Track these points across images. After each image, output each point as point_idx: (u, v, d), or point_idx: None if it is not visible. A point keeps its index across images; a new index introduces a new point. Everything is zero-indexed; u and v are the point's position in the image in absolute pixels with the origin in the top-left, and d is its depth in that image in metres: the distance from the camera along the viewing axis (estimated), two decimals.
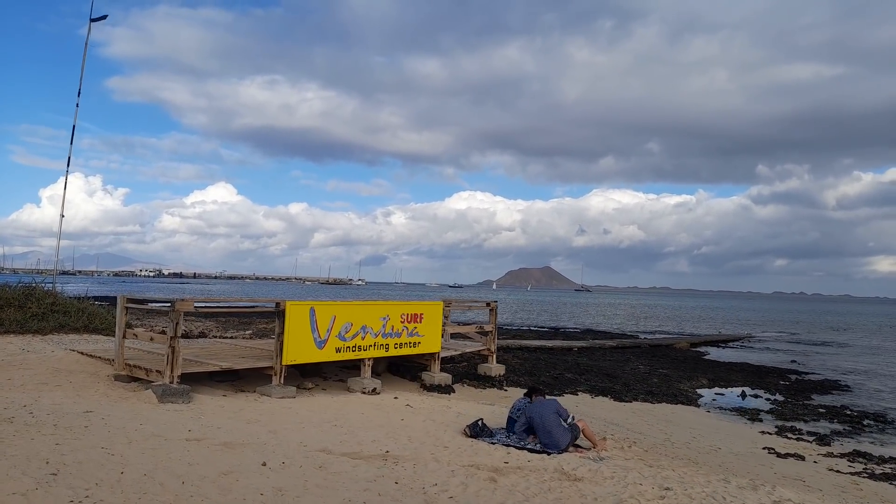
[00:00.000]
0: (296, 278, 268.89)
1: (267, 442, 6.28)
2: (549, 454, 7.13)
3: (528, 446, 7.35)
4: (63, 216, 16.05)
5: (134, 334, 9.49)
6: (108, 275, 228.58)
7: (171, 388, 8.25)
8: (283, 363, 9.65)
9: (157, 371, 8.67)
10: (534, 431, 7.61)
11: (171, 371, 8.44)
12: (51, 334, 12.49)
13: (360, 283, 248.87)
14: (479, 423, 7.80)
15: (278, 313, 9.70)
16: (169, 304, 8.69)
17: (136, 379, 9.13)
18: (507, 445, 7.28)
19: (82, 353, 10.27)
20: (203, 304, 9.55)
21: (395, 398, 10.32)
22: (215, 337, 17.83)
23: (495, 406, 10.55)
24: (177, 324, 8.52)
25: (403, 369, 12.86)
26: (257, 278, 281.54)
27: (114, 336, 13.44)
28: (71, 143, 15.79)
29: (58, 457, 4.97)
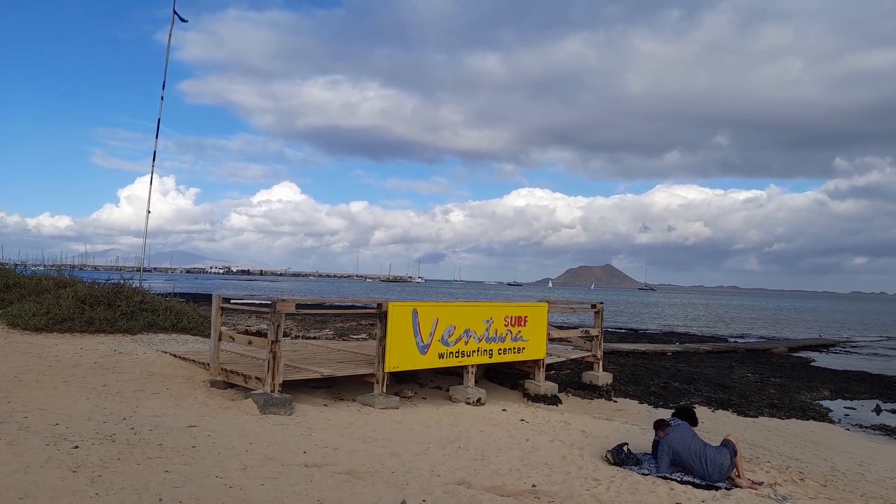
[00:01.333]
0: (357, 276, 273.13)
1: (395, 469, 5.40)
2: (717, 488, 5.98)
3: (687, 479, 6.20)
4: (149, 212, 15.89)
5: (231, 337, 8.87)
6: (181, 272, 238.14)
7: (272, 397, 7.53)
8: (386, 370, 8.82)
9: (256, 378, 7.98)
10: (683, 465, 6.44)
11: (273, 379, 7.72)
12: (140, 334, 12.15)
13: (419, 280, 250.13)
14: (625, 448, 6.70)
15: (380, 315, 8.88)
16: (268, 305, 7.98)
17: (232, 385, 8.50)
18: (667, 478, 6.16)
19: (175, 356, 9.76)
20: (304, 305, 8.85)
21: (504, 410, 9.34)
22: (298, 337, 17.35)
23: (615, 422, 9.41)
24: (278, 326, 7.80)
25: (503, 376, 11.86)
26: (320, 276, 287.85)
27: (202, 336, 13.06)
28: (156, 136, 15.59)
29: (170, 490, 4.22)
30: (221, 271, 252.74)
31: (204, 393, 8.06)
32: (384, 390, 8.85)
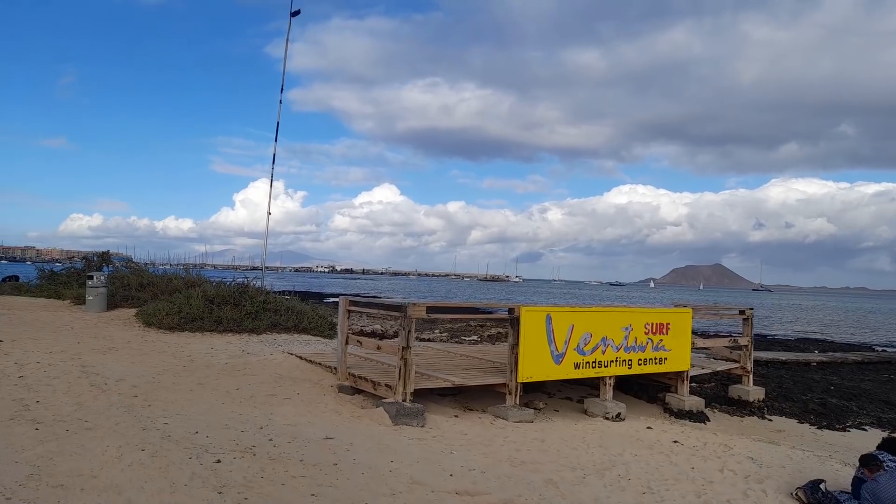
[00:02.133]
0: (455, 275, 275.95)
1: (556, 503, 4.70)
2: None
3: None
4: (270, 213, 16.22)
5: (358, 341, 8.54)
6: (290, 270, 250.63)
7: (404, 407, 7.08)
8: (519, 381, 8.16)
9: (385, 385, 7.57)
10: None
11: (404, 387, 7.28)
12: (264, 333, 12.27)
13: (517, 280, 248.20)
14: (822, 487, 5.63)
15: (512, 321, 8.23)
16: (398, 309, 7.55)
17: (359, 391, 8.17)
18: None
19: (301, 358, 9.62)
20: (435, 309, 8.39)
21: (649, 429, 8.39)
22: None
23: (782, 446, 8.19)
24: (409, 332, 7.34)
25: (637, 388, 10.84)
26: (419, 274, 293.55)
27: (322, 337, 13.03)
28: (276, 138, 15.87)
29: None
30: (327, 270, 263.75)
31: (333, 399, 7.76)
32: (517, 402, 8.19)
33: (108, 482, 4.03)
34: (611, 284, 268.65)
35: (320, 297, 40.39)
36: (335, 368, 8.70)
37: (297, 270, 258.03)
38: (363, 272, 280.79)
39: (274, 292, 16.27)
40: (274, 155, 15.99)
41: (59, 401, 6.11)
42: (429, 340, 16.24)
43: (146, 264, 19.94)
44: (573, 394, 10.06)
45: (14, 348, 8.57)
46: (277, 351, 10.35)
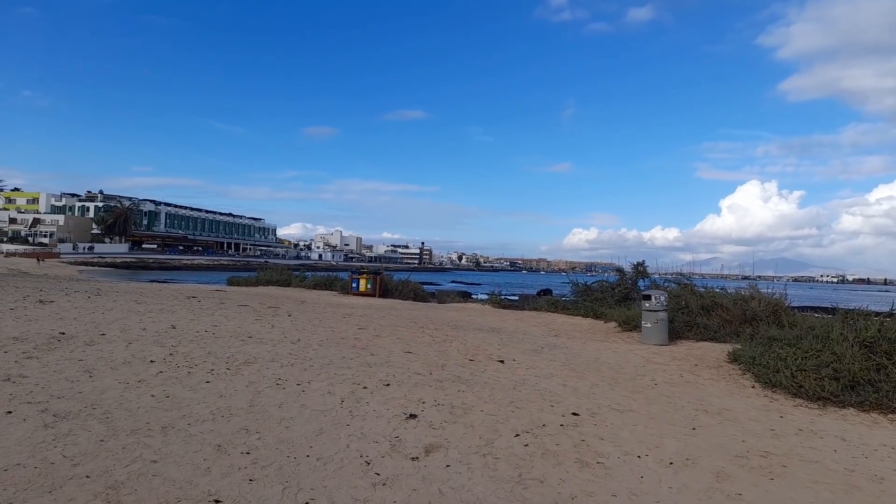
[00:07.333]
0: None
1: None
2: None
3: None
4: None
5: None
6: (787, 280, 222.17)
7: None
8: None
9: None
10: None
11: None
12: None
13: None
14: None
15: None
16: None
17: None
18: None
19: None
20: None
21: None
22: None
23: None
24: None
25: None
26: None
27: None
28: None
29: None
30: (834, 280, 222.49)
31: None
32: None
33: None
34: None
35: None
36: None
37: (795, 280, 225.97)
38: (885, 282, 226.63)
39: (793, 307, 10.51)
40: None
41: None
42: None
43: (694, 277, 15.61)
44: None
45: (604, 441, 4.74)
46: None
